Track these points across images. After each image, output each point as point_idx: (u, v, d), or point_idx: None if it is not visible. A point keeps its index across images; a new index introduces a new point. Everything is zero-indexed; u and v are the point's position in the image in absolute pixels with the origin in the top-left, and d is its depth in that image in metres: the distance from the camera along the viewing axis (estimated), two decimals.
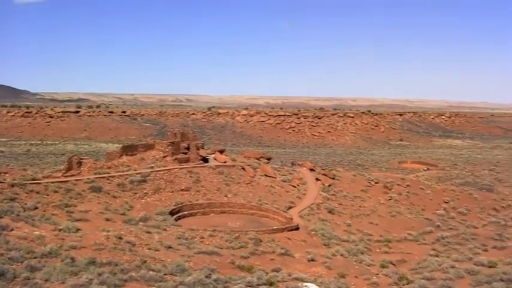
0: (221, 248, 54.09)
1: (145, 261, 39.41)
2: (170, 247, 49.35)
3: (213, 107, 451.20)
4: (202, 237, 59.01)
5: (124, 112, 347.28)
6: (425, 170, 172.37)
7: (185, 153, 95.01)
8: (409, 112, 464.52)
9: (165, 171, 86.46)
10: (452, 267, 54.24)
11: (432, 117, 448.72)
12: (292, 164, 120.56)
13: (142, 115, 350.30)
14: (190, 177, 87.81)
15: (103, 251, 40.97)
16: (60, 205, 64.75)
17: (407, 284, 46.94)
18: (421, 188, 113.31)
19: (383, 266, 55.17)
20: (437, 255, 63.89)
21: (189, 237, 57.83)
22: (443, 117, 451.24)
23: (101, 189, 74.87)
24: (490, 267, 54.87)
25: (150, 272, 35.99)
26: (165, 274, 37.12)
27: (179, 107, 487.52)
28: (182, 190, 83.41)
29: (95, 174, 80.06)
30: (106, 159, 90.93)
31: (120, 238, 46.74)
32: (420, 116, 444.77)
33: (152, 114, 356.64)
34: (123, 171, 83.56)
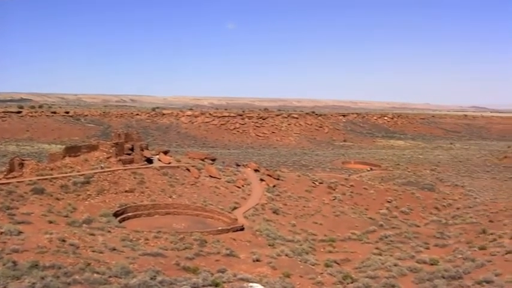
0: (166, 250, 53.92)
1: (89, 264, 39.06)
2: (114, 249, 48.98)
3: (158, 107, 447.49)
4: (147, 239, 58.73)
5: (67, 112, 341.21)
6: (368, 170, 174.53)
7: (129, 154, 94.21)
8: (352, 113, 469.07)
9: (109, 173, 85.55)
10: (395, 265, 55.26)
11: (375, 118, 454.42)
12: (237, 165, 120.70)
13: (86, 116, 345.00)
14: (135, 178, 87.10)
15: (46, 254, 40.45)
16: (2, 207, 63.54)
17: (352, 282, 47.58)
18: (364, 188, 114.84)
19: (327, 265, 55.80)
20: (380, 254, 64.88)
21: (134, 239, 57.50)
22: (386, 118, 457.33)
23: (43, 191, 73.67)
24: (432, 264, 56.09)
25: (95, 275, 35.75)
26: (110, 277, 36.88)
27: (123, 108, 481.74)
28: (126, 191, 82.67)
29: (38, 175, 78.75)
30: (49, 161, 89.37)
31: (64, 241, 46.16)
32: (363, 117, 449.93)
33: (96, 115, 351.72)
34: (66, 173, 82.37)
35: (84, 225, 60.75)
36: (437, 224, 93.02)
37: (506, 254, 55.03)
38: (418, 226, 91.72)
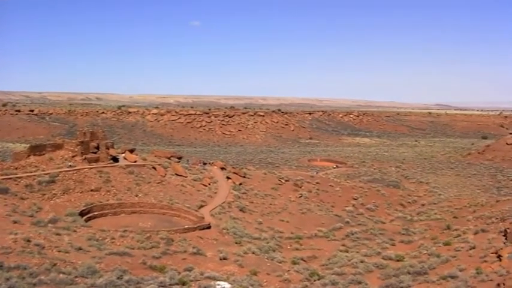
0: (132, 249, 53.71)
1: (55, 264, 38.79)
2: (80, 249, 48.66)
3: (123, 105, 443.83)
4: (113, 238, 58.38)
5: (32, 111, 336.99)
6: (334, 168, 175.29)
7: (95, 153, 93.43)
8: (318, 111, 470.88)
9: (74, 172, 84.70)
10: (362, 261, 55.91)
11: (341, 116, 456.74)
12: (204, 163, 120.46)
13: (51, 114, 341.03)
14: (100, 177, 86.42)
15: (11, 255, 40.02)
16: None
17: (318, 279, 48.00)
18: (330, 186, 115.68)
19: (294, 263, 56.21)
20: (346, 251, 65.61)
21: (100, 238, 57.10)
22: (351, 116, 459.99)
23: (7, 190, 72.60)
24: (398, 260, 56.89)
25: (61, 275, 35.54)
26: (76, 277, 36.71)
27: (89, 106, 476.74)
28: (92, 190, 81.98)
29: (1, 175, 77.51)
30: (13, 160, 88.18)
31: (29, 241, 45.68)
32: (329, 115, 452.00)
33: (61, 113, 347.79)
34: (31, 172, 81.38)
35: (49, 225, 60.08)
36: (403, 220, 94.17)
37: (470, 249, 56.01)
38: (384, 223, 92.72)
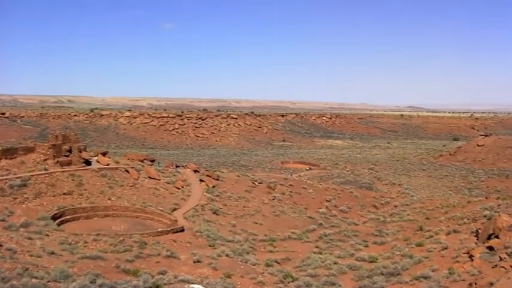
0: (105, 252, 53.42)
1: (27, 269, 38.45)
2: (53, 253, 48.31)
3: (96, 108, 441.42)
4: (86, 242, 58.02)
5: (3, 114, 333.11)
6: (307, 170, 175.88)
7: (67, 156, 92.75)
8: (291, 113, 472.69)
9: (47, 175, 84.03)
10: (335, 263, 56.32)
11: (314, 118, 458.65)
12: (176, 166, 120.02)
13: (22, 117, 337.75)
14: (73, 180, 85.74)
15: None
16: None
17: (292, 281, 48.24)
18: (303, 188, 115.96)
19: (268, 265, 56.32)
20: (320, 253, 65.91)
21: (73, 242, 56.75)
22: (324, 118, 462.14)
23: None
24: (371, 262, 57.37)
25: (33, 280, 35.23)
26: (49, 281, 36.42)
27: (61, 109, 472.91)
28: (64, 194, 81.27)
29: None
30: None
31: (0, 245, 45.28)
32: (302, 117, 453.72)
33: (33, 116, 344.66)
34: (2, 176, 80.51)
35: (21, 229, 59.55)
36: (376, 222, 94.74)
37: (443, 250, 56.62)
38: (357, 224, 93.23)
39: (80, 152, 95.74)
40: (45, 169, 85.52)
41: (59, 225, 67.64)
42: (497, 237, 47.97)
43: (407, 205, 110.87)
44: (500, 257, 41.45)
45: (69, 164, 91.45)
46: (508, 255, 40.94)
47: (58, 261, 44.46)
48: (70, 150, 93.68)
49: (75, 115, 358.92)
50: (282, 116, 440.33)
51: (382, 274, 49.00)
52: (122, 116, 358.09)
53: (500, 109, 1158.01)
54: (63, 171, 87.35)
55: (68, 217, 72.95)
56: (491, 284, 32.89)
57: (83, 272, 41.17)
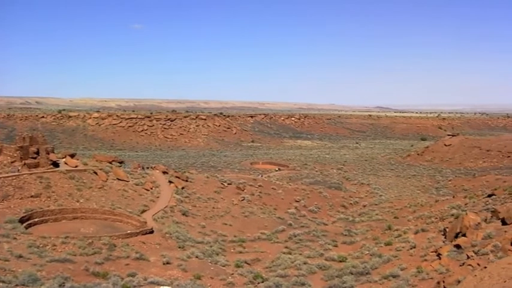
0: (74, 255, 53.11)
1: None
2: (21, 256, 47.90)
3: (64, 109, 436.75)
4: (55, 245, 57.55)
5: None
6: (276, 171, 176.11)
7: (34, 158, 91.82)
8: (260, 114, 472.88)
9: (14, 177, 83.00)
10: (305, 263, 56.59)
11: (282, 119, 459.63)
12: (142, 168, 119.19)
13: None
14: (41, 182, 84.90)
15: None
16: None
17: (262, 282, 48.43)
18: (273, 188, 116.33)
19: (238, 266, 56.49)
20: (290, 253, 66.21)
21: (41, 245, 56.25)
22: (293, 118, 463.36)
23: None
24: (341, 261, 57.81)
25: (1, 284, 34.98)
26: (17, 285, 36.19)
27: (28, 110, 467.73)
28: (32, 196, 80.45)
29: None
30: None
31: None
32: (271, 118, 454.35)
33: None
34: None
35: None
36: (345, 221, 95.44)
37: (411, 248, 57.25)
38: (326, 224, 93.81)
39: (48, 153, 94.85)
40: (18, 170, 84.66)
41: (26, 228, 66.90)
42: (464, 235, 48.66)
43: (376, 205, 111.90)
44: (467, 255, 42.04)
45: (36, 166, 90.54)
46: (475, 253, 41.54)
47: (26, 265, 44.13)
48: (37, 152, 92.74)
49: (43, 116, 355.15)
50: (251, 116, 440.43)
51: (352, 274, 49.40)
52: (90, 118, 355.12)
53: (467, 109, 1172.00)
54: (31, 173, 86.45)
55: (36, 220, 72.17)
56: (459, 281, 33.28)
57: (52, 275, 40.95)
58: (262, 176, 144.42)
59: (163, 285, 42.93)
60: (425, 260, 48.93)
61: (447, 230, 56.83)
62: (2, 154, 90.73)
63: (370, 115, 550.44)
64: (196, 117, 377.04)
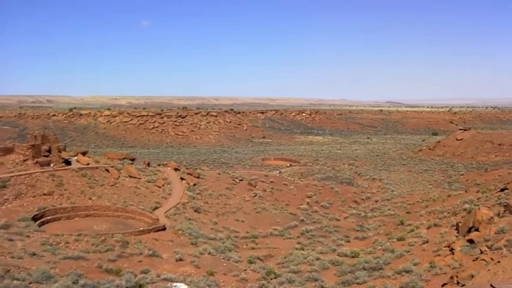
0: (87, 252, 53.15)
1: (8, 271, 38.17)
2: (34, 254, 47.98)
3: (75, 108, 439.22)
4: (68, 242, 57.67)
5: None
6: (288, 166, 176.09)
7: (46, 156, 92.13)
8: (271, 110, 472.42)
9: (26, 176, 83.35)
10: (317, 259, 56.35)
11: (293, 114, 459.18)
12: (148, 164, 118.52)
13: (1, 117, 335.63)
14: (53, 180, 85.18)
15: None
16: None
17: (275, 278, 48.28)
18: (284, 184, 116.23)
19: (250, 262, 56.36)
20: (302, 249, 65.95)
21: (54, 243, 56.36)
22: (304, 114, 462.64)
23: None
24: (353, 257, 57.47)
25: (15, 282, 35.02)
26: (30, 283, 36.20)
27: (39, 109, 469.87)
28: (45, 194, 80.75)
29: None
30: None
31: None
32: (282, 114, 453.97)
33: (11, 116, 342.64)
34: None
35: (1, 230, 59.15)
36: (357, 217, 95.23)
37: (424, 243, 56.92)
38: (338, 220, 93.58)
39: (60, 152, 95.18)
40: (52, 167, 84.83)
41: (39, 226, 67.23)
42: (477, 230, 48.37)
43: (388, 200, 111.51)
44: (480, 249, 41.81)
45: (48, 164, 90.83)
46: (488, 247, 41.31)
47: (40, 262, 44.18)
48: (49, 151, 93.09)
49: (54, 115, 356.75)
50: (262, 112, 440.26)
51: (365, 269, 49.20)
52: (101, 115, 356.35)
53: (479, 103, 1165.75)
54: (43, 172, 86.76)
55: (48, 218, 72.48)
56: (472, 276, 33.13)
57: (65, 272, 40.95)
58: (280, 173, 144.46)
59: (176, 281, 42.92)
60: (438, 254, 48.65)
61: (460, 224, 56.52)
62: (14, 153, 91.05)
63: (381, 110, 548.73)
64: (207, 114, 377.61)
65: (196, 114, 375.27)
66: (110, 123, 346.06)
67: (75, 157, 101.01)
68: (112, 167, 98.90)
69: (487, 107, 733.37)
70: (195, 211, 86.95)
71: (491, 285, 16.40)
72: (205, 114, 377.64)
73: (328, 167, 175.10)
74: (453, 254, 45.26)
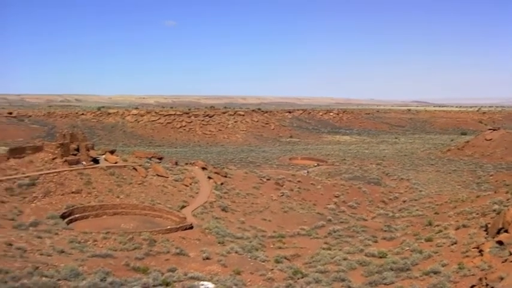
0: (115, 250, 53.41)
1: (37, 268, 38.45)
2: (63, 251, 48.31)
3: (103, 107, 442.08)
4: (96, 240, 58.02)
5: (10, 113, 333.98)
6: (315, 166, 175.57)
7: (75, 155, 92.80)
8: (298, 109, 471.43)
9: (55, 174, 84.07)
10: (345, 259, 55.96)
11: (321, 114, 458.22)
12: (176, 163, 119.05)
13: (30, 116, 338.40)
14: (81, 179, 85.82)
15: None
16: None
17: (302, 277, 48.04)
18: (311, 184, 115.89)
19: (277, 261, 56.11)
20: (329, 249, 65.50)
21: (82, 241, 56.71)
22: (331, 114, 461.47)
23: None
24: (381, 257, 56.95)
25: (43, 279, 35.22)
26: (59, 280, 36.40)
27: (68, 108, 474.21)
28: (73, 192, 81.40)
29: None
30: None
31: (10, 245, 45.38)
32: (309, 113, 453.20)
33: (40, 115, 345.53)
34: (10, 175, 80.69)
35: (31, 228, 59.69)
36: (385, 217, 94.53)
37: (452, 244, 56.25)
38: (366, 220, 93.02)
39: (88, 150, 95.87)
40: (84, 165, 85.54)
41: (68, 223, 67.83)
42: (506, 231, 47.68)
43: (415, 200, 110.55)
44: (510, 251, 41.22)
45: (77, 162, 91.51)
46: None
47: (68, 260, 44.46)
48: (78, 149, 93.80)
49: (82, 114, 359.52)
50: (289, 112, 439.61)
51: (392, 269, 48.78)
52: (129, 114, 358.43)
53: (508, 103, 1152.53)
54: (72, 170, 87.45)
55: (77, 216, 73.08)
56: (502, 278, 32.69)
57: (93, 270, 41.16)
58: (308, 172, 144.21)
59: (203, 280, 42.90)
60: (467, 256, 48.08)
61: (489, 225, 55.82)
62: (43, 151, 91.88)
63: (409, 109, 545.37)
64: (235, 113, 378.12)
65: (224, 113, 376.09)
66: (138, 122, 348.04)
67: (103, 156, 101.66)
68: (140, 165, 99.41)
69: None
70: (222, 210, 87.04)
71: None
72: (232, 113, 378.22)
73: (355, 166, 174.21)
74: (482, 255, 44.69)
